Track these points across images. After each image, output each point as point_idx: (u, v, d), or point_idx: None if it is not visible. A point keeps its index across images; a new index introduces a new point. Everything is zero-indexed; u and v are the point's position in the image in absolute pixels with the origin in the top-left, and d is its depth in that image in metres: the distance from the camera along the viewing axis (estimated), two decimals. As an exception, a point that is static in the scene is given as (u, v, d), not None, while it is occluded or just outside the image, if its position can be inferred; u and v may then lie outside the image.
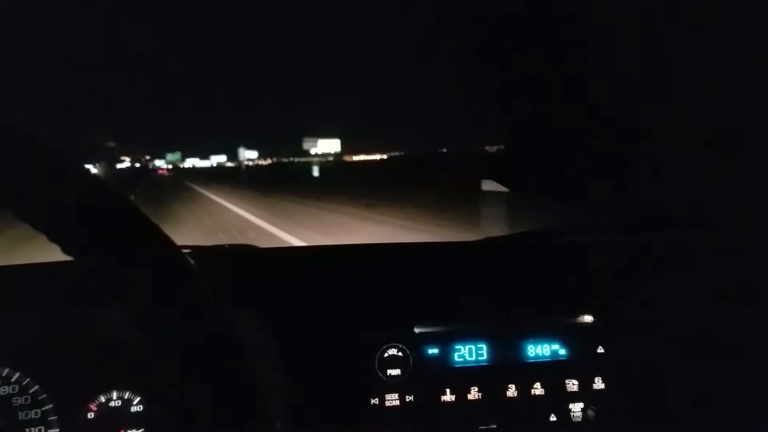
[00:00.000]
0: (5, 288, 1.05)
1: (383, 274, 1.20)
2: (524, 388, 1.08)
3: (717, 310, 1.15)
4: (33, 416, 0.99)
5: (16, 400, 0.99)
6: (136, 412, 1.03)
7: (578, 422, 1.09)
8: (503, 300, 1.14)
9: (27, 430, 0.99)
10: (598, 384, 1.11)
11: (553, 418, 1.08)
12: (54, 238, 0.49)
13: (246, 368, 0.54)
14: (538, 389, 1.09)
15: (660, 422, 1.10)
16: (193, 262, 0.54)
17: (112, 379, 1.02)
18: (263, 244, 1.43)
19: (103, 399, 1.02)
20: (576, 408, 1.09)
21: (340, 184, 26.73)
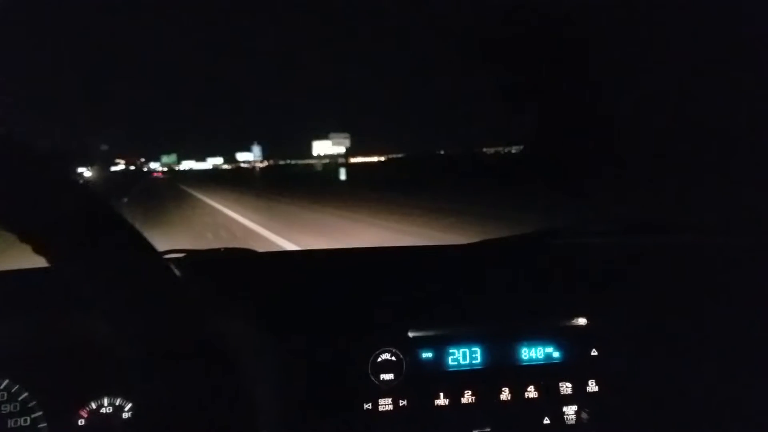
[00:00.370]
0: None
1: (377, 277, 1.20)
2: (518, 391, 1.08)
3: (711, 313, 1.14)
4: (22, 424, 0.98)
5: (5, 407, 0.98)
6: (128, 419, 1.02)
7: (572, 425, 1.08)
8: (498, 303, 1.14)
9: None
10: (592, 387, 1.10)
11: (546, 420, 1.08)
12: (36, 245, 0.48)
13: (232, 374, 0.54)
14: (532, 392, 1.08)
15: (653, 425, 1.09)
16: (176, 269, 0.54)
17: (103, 386, 1.01)
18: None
19: (94, 405, 1.01)
20: (570, 411, 1.09)
21: (376, 189, 20.47)
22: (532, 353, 1.10)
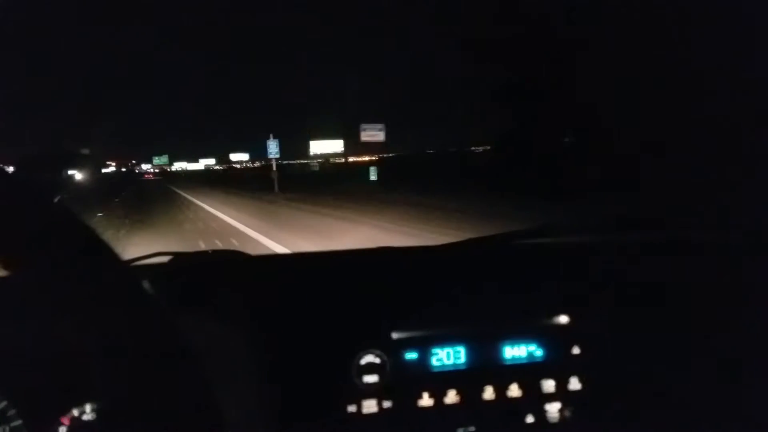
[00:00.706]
0: None
1: (359, 279, 1.20)
2: (502, 390, 1.09)
3: (694, 310, 1.15)
4: None
5: None
6: (108, 425, 1.01)
7: (555, 423, 1.09)
8: (481, 302, 1.14)
9: None
10: (575, 384, 1.11)
11: (530, 419, 1.09)
12: None
13: (198, 380, 0.54)
14: (515, 391, 1.09)
15: (636, 422, 1.10)
16: (141, 275, 0.54)
17: (85, 392, 1.00)
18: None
19: (76, 413, 1.00)
20: (553, 409, 1.10)
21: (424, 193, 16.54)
22: (514, 352, 1.11)
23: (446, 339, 1.10)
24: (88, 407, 1.00)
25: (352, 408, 1.04)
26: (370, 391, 1.05)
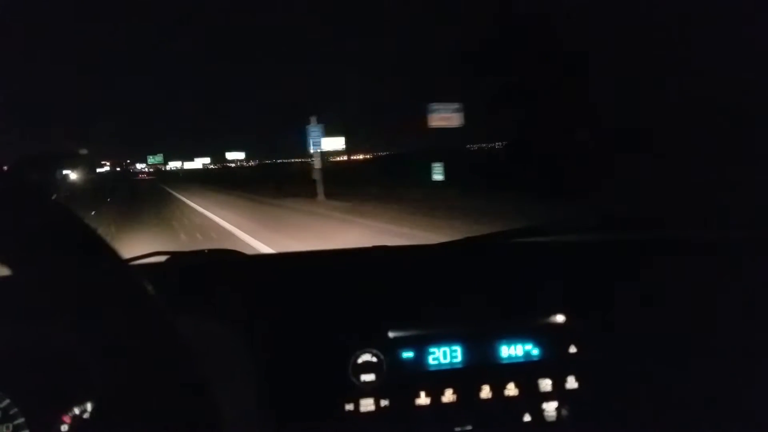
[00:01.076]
0: None
1: (355, 278, 1.20)
2: (498, 389, 1.09)
3: (690, 310, 1.16)
4: (4, 431, 0.97)
5: None
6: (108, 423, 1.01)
7: (552, 422, 1.09)
8: (477, 301, 1.15)
9: None
10: (571, 383, 1.11)
11: (527, 418, 1.09)
12: None
13: (197, 379, 0.54)
14: (512, 390, 1.09)
15: (633, 422, 1.11)
16: (142, 273, 0.53)
17: (86, 391, 1.00)
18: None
19: (77, 411, 1.00)
20: (550, 408, 1.10)
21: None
22: (511, 351, 1.11)
23: (443, 338, 1.10)
24: (89, 406, 1.00)
25: (349, 407, 1.04)
26: (367, 390, 1.05)
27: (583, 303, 1.15)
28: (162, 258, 1.29)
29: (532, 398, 1.10)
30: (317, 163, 20.00)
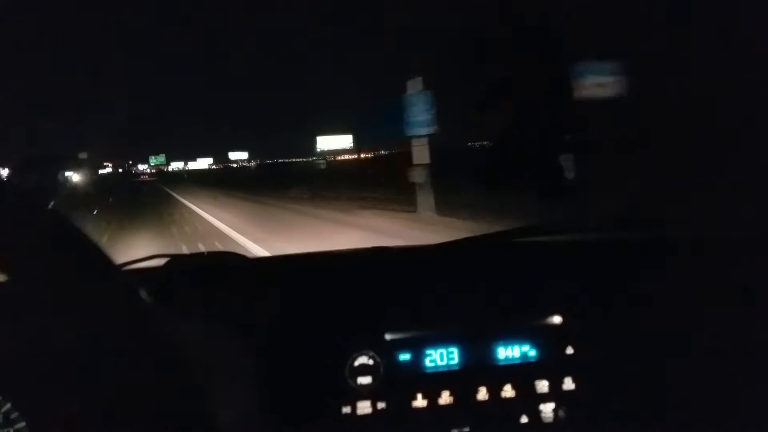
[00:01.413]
0: None
1: (352, 280, 1.21)
2: (495, 391, 1.09)
3: (686, 311, 1.16)
4: None
5: None
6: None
7: (549, 423, 1.10)
8: (473, 303, 1.15)
9: None
10: (569, 385, 1.12)
11: (524, 419, 1.09)
12: None
13: (193, 382, 0.54)
14: (509, 391, 1.09)
15: (630, 422, 1.11)
16: (133, 278, 0.54)
17: (86, 394, 1.01)
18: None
19: (77, 413, 1.00)
20: (547, 409, 1.10)
21: None
22: (508, 352, 1.11)
23: (439, 340, 1.10)
24: (89, 409, 1.01)
25: (346, 409, 1.04)
26: (364, 393, 1.05)
27: (580, 304, 1.15)
28: (161, 261, 1.30)
29: (529, 399, 1.10)
30: (421, 156, 11.20)
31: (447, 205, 10.55)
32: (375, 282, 1.20)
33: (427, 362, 1.09)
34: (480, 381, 1.09)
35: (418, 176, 11.06)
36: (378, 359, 1.07)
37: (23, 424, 0.98)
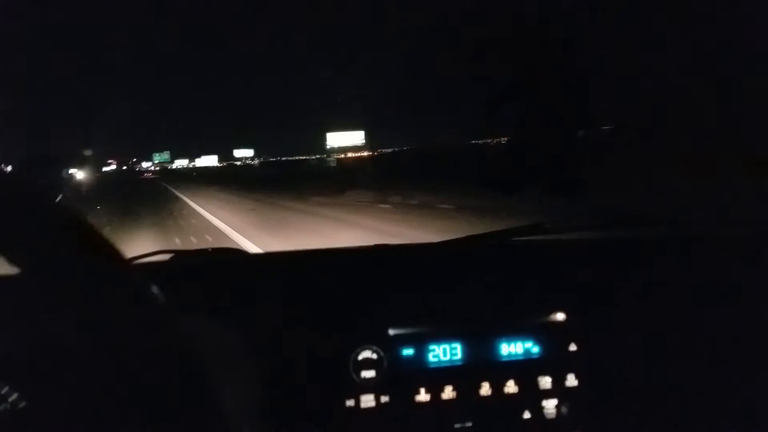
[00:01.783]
0: None
1: (357, 276, 1.21)
2: (498, 387, 1.10)
3: (689, 309, 1.16)
4: None
5: None
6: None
7: (552, 419, 1.10)
8: (477, 299, 1.15)
9: None
10: (571, 381, 1.12)
11: (527, 415, 1.10)
12: (4, 253, 0.49)
13: (200, 377, 0.55)
14: (512, 387, 1.10)
15: (632, 419, 1.11)
16: (144, 274, 0.55)
17: (92, 389, 1.01)
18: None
19: (83, 409, 1.01)
20: (549, 405, 1.11)
21: None
22: (511, 349, 1.12)
23: (443, 335, 1.11)
24: (97, 404, 1.01)
25: (350, 402, 1.05)
26: (368, 387, 1.06)
27: (583, 301, 1.16)
28: (165, 257, 1.31)
29: (531, 396, 1.10)
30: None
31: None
32: (378, 278, 1.20)
33: (430, 357, 1.09)
34: (483, 377, 1.09)
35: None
36: (381, 354, 1.07)
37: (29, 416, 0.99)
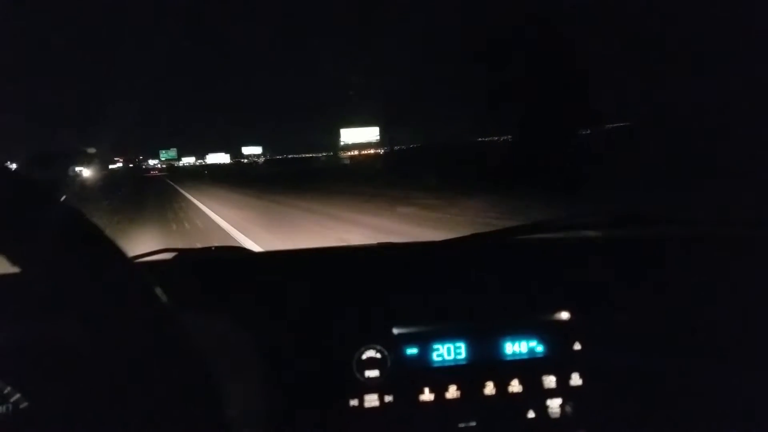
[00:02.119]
0: None
1: (361, 274, 1.21)
2: (502, 386, 1.09)
3: (694, 309, 1.15)
4: None
5: None
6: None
7: (556, 418, 1.10)
8: (481, 298, 1.15)
9: None
10: (576, 380, 1.11)
11: (531, 414, 1.09)
12: (2, 249, 0.49)
13: (204, 377, 0.55)
14: (516, 386, 1.09)
15: (637, 418, 1.11)
16: (148, 271, 0.55)
17: (95, 387, 1.02)
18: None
19: (86, 407, 1.02)
20: (554, 404, 1.10)
21: None
22: (515, 348, 1.11)
23: (447, 334, 1.10)
24: (101, 404, 1.02)
25: (354, 402, 1.05)
26: (372, 386, 1.06)
27: (587, 300, 1.15)
28: (169, 255, 1.31)
29: (536, 395, 1.10)
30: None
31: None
32: (382, 276, 1.20)
33: (434, 356, 1.09)
34: (487, 376, 1.09)
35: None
36: (385, 353, 1.07)
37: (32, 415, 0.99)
